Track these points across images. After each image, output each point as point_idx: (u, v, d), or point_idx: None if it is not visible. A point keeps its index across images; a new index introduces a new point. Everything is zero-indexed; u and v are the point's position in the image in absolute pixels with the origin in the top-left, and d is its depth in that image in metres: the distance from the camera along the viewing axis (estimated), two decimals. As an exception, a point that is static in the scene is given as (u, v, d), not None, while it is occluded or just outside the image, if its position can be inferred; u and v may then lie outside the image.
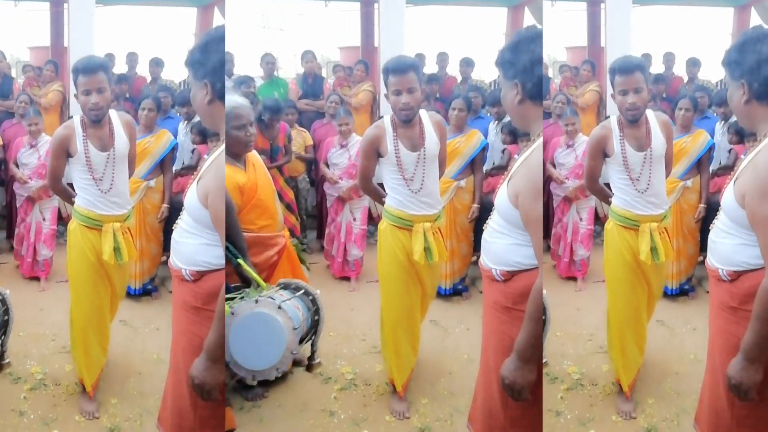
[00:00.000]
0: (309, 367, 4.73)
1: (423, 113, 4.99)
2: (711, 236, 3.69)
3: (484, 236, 3.95)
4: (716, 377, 3.69)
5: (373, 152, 4.98)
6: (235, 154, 4.80)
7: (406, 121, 4.85)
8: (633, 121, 4.84)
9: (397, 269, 5.04)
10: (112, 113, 5.01)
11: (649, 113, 4.96)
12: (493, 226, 3.85)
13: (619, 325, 5.17)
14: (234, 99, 4.84)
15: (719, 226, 3.60)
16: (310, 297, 4.30)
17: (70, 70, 4.90)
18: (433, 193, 5.02)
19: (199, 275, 4.03)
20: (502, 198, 3.66)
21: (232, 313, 4.00)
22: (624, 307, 5.13)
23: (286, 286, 4.36)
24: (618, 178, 4.98)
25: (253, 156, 5.03)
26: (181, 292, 4.24)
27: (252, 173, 4.90)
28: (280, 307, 4.13)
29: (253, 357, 4.15)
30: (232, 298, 4.10)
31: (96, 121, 4.87)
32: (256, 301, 4.13)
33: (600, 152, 4.99)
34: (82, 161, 4.90)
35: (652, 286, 5.13)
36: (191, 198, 4.03)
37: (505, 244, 3.73)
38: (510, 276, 3.74)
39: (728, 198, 3.46)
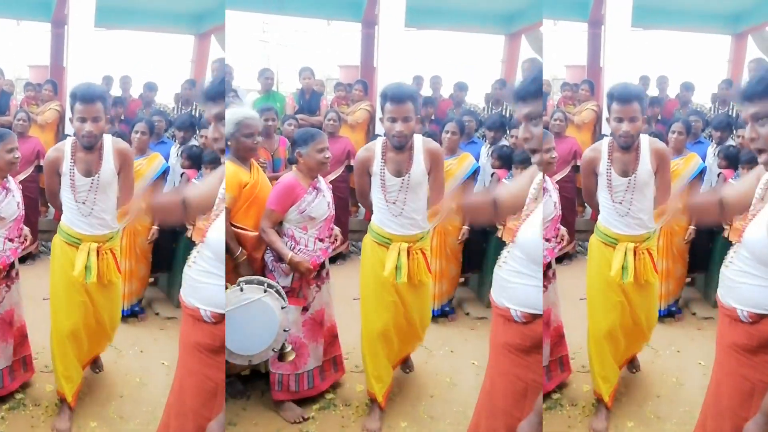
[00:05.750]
0: (281, 357, 4.83)
1: (417, 139, 5.13)
2: (727, 274, 3.61)
3: (502, 275, 3.95)
4: (721, 423, 3.61)
5: (365, 172, 5.18)
6: (242, 158, 5.22)
7: (399, 147, 5.02)
8: (625, 147, 4.91)
9: (374, 283, 5.18)
10: (107, 139, 5.08)
11: (644, 139, 5.00)
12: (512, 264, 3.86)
13: (597, 337, 5.22)
14: (245, 110, 5.27)
15: (739, 266, 3.53)
16: (275, 289, 4.61)
17: (68, 93, 4.96)
18: (415, 216, 5.14)
19: (222, 317, 4.06)
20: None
21: None
22: (602, 320, 5.17)
23: (248, 282, 4.63)
24: (602, 197, 5.08)
25: (256, 163, 5.40)
26: (195, 331, 4.28)
27: (255, 175, 5.24)
28: (266, 291, 4.53)
29: (247, 342, 4.50)
30: None
31: (88, 147, 4.97)
32: (241, 290, 4.48)
33: (592, 172, 5.10)
34: (67, 183, 5.03)
35: (635, 309, 5.16)
36: (217, 236, 4.05)
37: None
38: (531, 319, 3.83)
39: (756, 236, 3.38)
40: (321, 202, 5.22)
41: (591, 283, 5.24)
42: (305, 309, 5.23)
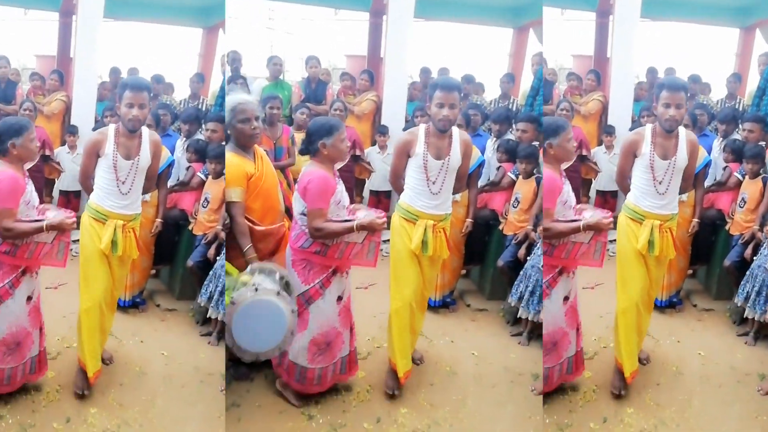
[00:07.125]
0: None
1: (455, 130, 5.61)
2: None
3: None
4: None
5: (404, 154, 5.59)
6: (243, 146, 5.45)
7: (443, 130, 5.50)
8: (669, 131, 5.43)
9: (404, 255, 5.57)
10: (144, 130, 5.59)
11: (681, 130, 5.52)
12: None
13: (625, 308, 5.59)
14: (239, 96, 5.51)
15: None
16: (284, 280, 4.83)
17: (118, 85, 5.50)
18: (445, 198, 5.59)
19: None
20: None
21: (233, 303, 4.58)
22: (632, 290, 5.59)
23: (261, 270, 4.84)
24: (641, 177, 5.56)
25: (261, 150, 5.56)
26: None
27: (260, 164, 5.51)
28: (279, 293, 4.73)
29: (256, 340, 4.73)
30: None
31: (132, 130, 5.47)
32: (256, 289, 4.68)
33: (631, 154, 5.59)
34: (110, 164, 5.45)
35: (653, 283, 5.66)
36: None
37: None
38: None
39: None
40: (343, 190, 5.52)
41: (621, 256, 5.66)
42: (340, 298, 5.41)
